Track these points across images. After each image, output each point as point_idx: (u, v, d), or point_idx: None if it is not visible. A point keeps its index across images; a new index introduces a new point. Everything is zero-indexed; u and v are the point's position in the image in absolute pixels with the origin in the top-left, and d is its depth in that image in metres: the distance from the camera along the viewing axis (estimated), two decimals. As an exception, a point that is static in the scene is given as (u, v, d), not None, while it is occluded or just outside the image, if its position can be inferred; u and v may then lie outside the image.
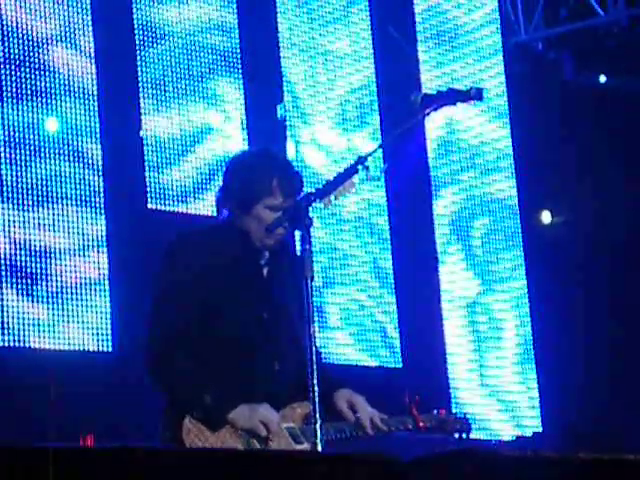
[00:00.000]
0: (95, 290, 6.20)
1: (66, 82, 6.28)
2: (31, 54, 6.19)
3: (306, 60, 7.36)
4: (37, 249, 6.06)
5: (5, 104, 6.06)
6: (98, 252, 6.24)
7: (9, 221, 6.00)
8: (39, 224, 6.08)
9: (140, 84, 6.56)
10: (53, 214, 6.14)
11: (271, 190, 3.74)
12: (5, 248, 5.96)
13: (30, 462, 2.21)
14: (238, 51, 6.97)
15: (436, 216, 7.88)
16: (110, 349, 6.16)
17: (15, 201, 6.03)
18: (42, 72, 6.20)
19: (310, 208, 3.50)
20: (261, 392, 3.69)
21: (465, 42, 8.14)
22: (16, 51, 6.14)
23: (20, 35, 6.17)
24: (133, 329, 5.65)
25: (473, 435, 4.06)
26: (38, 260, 6.05)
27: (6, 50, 6.11)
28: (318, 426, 3.32)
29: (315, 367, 3.38)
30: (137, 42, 6.59)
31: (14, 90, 6.10)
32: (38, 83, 6.18)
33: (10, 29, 6.15)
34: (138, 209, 6.47)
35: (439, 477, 2.50)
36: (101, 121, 6.35)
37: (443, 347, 7.69)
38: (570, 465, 2.59)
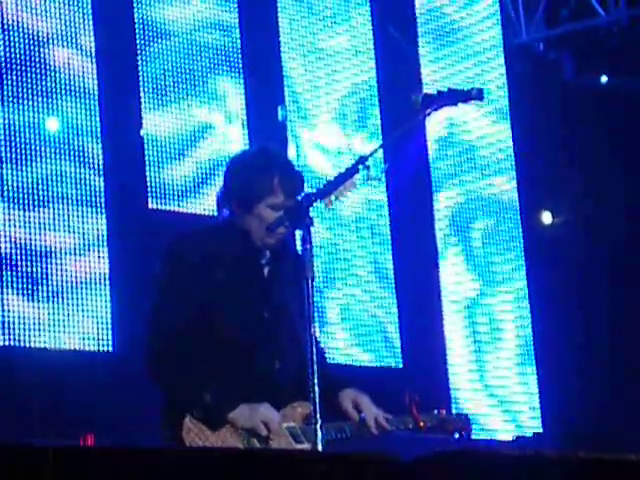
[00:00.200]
0: (95, 290, 6.20)
1: (67, 81, 6.27)
2: (32, 53, 6.18)
3: (307, 59, 7.36)
4: (37, 249, 6.06)
5: (5, 103, 6.06)
6: (99, 252, 6.24)
7: (9, 221, 5.99)
8: (39, 224, 6.08)
9: (141, 83, 6.56)
10: (54, 214, 6.13)
11: (272, 189, 3.74)
12: (5, 247, 5.96)
13: (30, 461, 2.21)
14: (239, 49, 6.97)
15: (436, 216, 7.88)
16: (110, 349, 6.16)
17: (15, 201, 6.03)
18: (43, 71, 6.20)
19: (311, 208, 3.50)
20: (262, 391, 3.69)
21: (466, 41, 8.14)
22: (17, 50, 6.13)
23: (21, 34, 6.17)
24: (133, 329, 5.64)
25: (473, 435, 4.05)
26: (38, 260, 6.05)
27: (7, 49, 6.11)
28: (318, 426, 3.32)
29: (319, 366, 3.38)
30: (138, 41, 6.58)
31: (14, 89, 6.10)
32: (39, 82, 6.18)
33: (11, 28, 6.14)
34: (139, 209, 6.46)
35: (439, 477, 2.50)
36: (102, 120, 6.35)
37: (443, 347, 7.69)
38: (570, 465, 2.59)
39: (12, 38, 6.14)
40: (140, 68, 6.57)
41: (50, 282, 6.07)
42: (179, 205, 6.61)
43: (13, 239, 6.00)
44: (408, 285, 7.51)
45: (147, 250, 5.75)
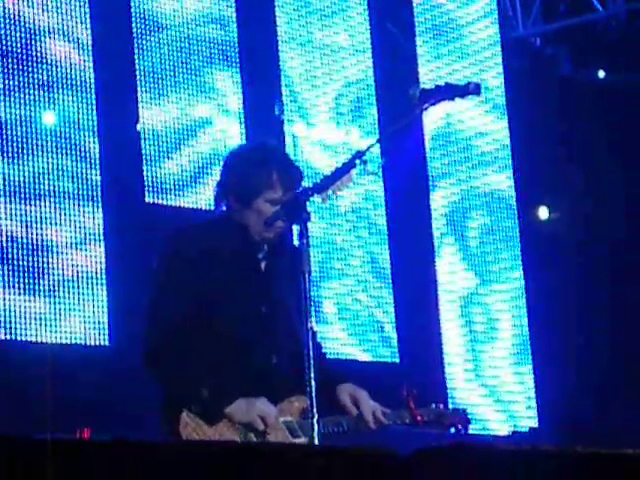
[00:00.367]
0: (92, 284, 6.19)
1: (63, 75, 6.26)
2: (28, 47, 6.17)
3: (304, 54, 7.35)
4: (34, 243, 6.05)
5: (2, 97, 6.05)
6: (95, 246, 6.23)
7: (6, 215, 5.99)
8: (36, 218, 6.07)
9: (138, 77, 6.55)
10: (50, 208, 6.13)
11: (271, 184, 3.75)
12: (1, 241, 5.96)
13: (29, 454, 2.21)
14: (236, 44, 6.97)
15: (433, 211, 7.88)
16: (107, 343, 6.16)
17: (12, 195, 6.02)
18: (39, 65, 6.19)
19: (308, 203, 3.50)
20: (259, 386, 3.69)
21: (463, 37, 8.14)
22: (13, 44, 6.12)
23: (18, 28, 6.16)
24: (130, 323, 5.65)
25: (470, 430, 4.06)
26: (35, 254, 6.04)
27: (3, 43, 6.10)
28: (315, 420, 3.33)
29: (317, 361, 3.40)
30: (135, 35, 6.57)
31: (11, 83, 6.09)
32: (35, 76, 6.17)
33: (7, 21, 6.13)
34: (135, 203, 6.46)
35: (436, 471, 2.51)
36: (98, 114, 6.34)
37: (440, 342, 7.70)
38: (568, 459, 2.59)
39: (9, 31, 6.13)
40: (137, 62, 6.56)
41: (47, 276, 6.06)
42: (176, 199, 6.60)
43: (9, 233, 5.99)
44: (405, 280, 7.51)
45: (144, 244, 5.75)
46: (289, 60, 7.28)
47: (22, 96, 6.11)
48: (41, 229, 6.08)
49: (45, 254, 6.07)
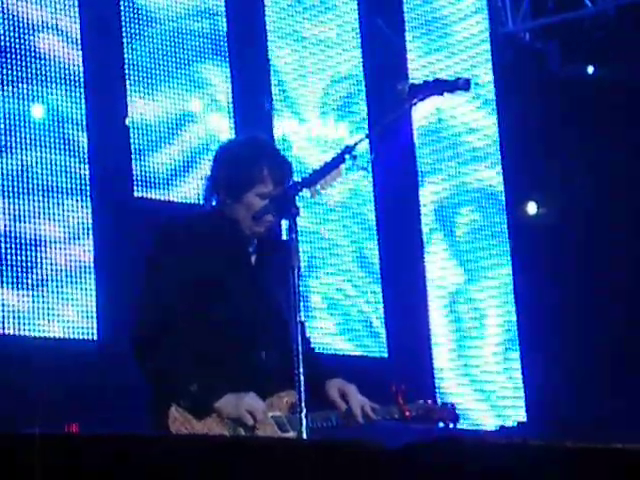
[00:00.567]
0: (81, 278, 6.18)
1: (52, 69, 6.25)
2: (17, 40, 6.15)
3: (293, 48, 7.34)
4: (22, 237, 6.03)
5: (-10, 91, 6.04)
6: (84, 240, 6.22)
7: (-5, 209, 5.97)
8: (24, 212, 6.06)
9: (127, 70, 6.54)
10: (38, 202, 6.11)
11: (262, 178, 3.75)
12: (-10, 236, 5.94)
13: (16, 448, 2.21)
14: (225, 37, 6.96)
15: (422, 206, 7.89)
16: (95, 337, 6.15)
17: (0, 189, 6.00)
18: (28, 59, 6.17)
19: (297, 197, 3.50)
20: (248, 380, 3.69)
21: (453, 32, 8.14)
22: (2, 37, 6.10)
23: (6, 21, 6.13)
24: (119, 317, 5.64)
25: (458, 425, 4.07)
26: (23, 248, 6.02)
27: (-8, 36, 6.08)
28: (303, 415, 3.33)
29: (306, 356, 3.41)
30: (124, 28, 6.56)
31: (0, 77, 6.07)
32: (24, 70, 6.15)
33: (-4, 15, 6.11)
34: (124, 197, 6.45)
35: (425, 465, 2.51)
36: (87, 108, 6.32)
37: (428, 337, 7.71)
38: (557, 453, 2.60)
39: (-2, 25, 6.11)
40: (126, 56, 6.54)
41: (35, 270, 6.04)
42: (165, 193, 6.59)
43: (-2, 227, 5.98)
44: (393, 274, 7.51)
45: (133, 239, 5.75)
46: (278, 54, 7.27)
47: (11, 90, 6.09)
48: (29, 223, 6.06)
49: (33, 248, 6.05)
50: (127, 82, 6.53)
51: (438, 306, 7.82)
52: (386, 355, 7.39)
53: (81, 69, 6.33)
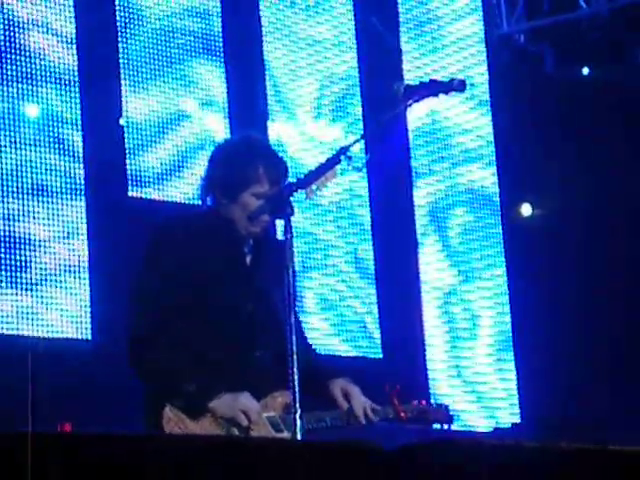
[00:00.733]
0: (75, 278, 6.17)
1: (47, 68, 6.23)
2: (11, 39, 6.14)
3: (288, 47, 7.34)
4: (16, 237, 6.02)
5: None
6: (78, 240, 6.21)
7: (-12, 208, 5.96)
8: (18, 212, 6.04)
9: (121, 69, 6.53)
10: (32, 202, 6.10)
11: (258, 178, 3.75)
12: (-16, 235, 5.93)
13: (9, 448, 2.20)
14: (220, 36, 6.96)
15: (416, 206, 7.89)
16: (89, 337, 6.14)
17: (-6, 189, 6.00)
18: (22, 57, 6.16)
19: (292, 198, 3.49)
20: (243, 380, 3.69)
21: (448, 33, 8.14)
22: (-4, 36, 6.10)
23: (0, 20, 6.12)
24: (112, 317, 5.63)
25: (453, 426, 4.07)
26: (17, 248, 6.01)
27: (-14, 35, 6.07)
28: (298, 415, 3.32)
29: (305, 353, 3.46)
30: (119, 27, 6.55)
31: (-6, 75, 6.06)
32: (18, 68, 6.14)
33: (-10, 14, 6.10)
34: (118, 197, 6.44)
35: (420, 466, 2.51)
36: (82, 107, 6.31)
37: (422, 338, 7.71)
38: (552, 455, 2.60)
39: (-8, 24, 6.10)
40: (121, 55, 6.53)
41: (29, 270, 6.03)
42: (159, 193, 6.58)
43: (-8, 227, 5.96)
44: (388, 275, 7.51)
45: (127, 238, 5.74)
46: (273, 54, 7.27)
47: (4, 89, 6.08)
48: (23, 223, 6.05)
49: (27, 248, 6.04)
50: (122, 82, 6.52)
51: (432, 307, 7.82)
52: (381, 356, 7.39)
53: (76, 68, 6.32)
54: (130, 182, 6.49)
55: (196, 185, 4.67)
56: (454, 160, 8.08)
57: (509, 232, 8.14)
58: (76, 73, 6.32)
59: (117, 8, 6.55)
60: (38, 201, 6.11)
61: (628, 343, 7.84)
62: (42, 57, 6.23)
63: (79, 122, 6.30)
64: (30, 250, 6.05)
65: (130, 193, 6.48)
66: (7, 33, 6.13)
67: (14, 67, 6.12)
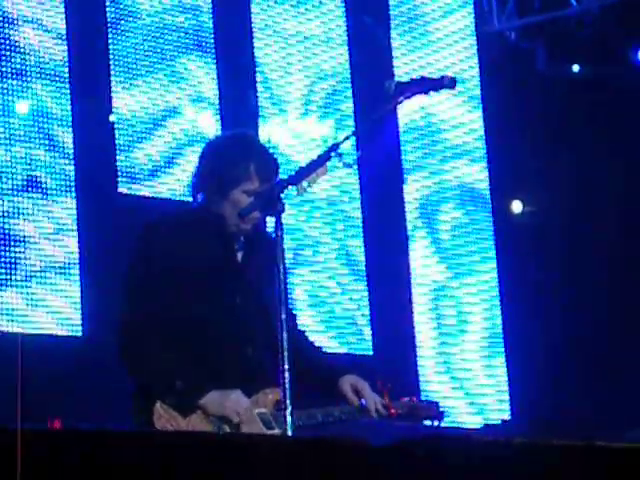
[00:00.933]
0: (65, 275, 6.16)
1: (37, 64, 6.22)
2: (1, 35, 6.12)
3: (279, 44, 7.33)
4: (7, 234, 6.01)
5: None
6: (68, 237, 6.20)
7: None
8: (8, 209, 6.03)
9: (112, 65, 6.52)
10: (22, 199, 6.08)
11: (249, 175, 3.75)
12: (-26, 232, 5.92)
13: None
14: (211, 32, 6.95)
15: (407, 203, 7.89)
16: (79, 334, 6.14)
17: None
18: (13, 53, 6.14)
19: (282, 194, 3.49)
20: (234, 378, 3.69)
21: (438, 29, 8.14)
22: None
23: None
24: (103, 314, 5.62)
25: (443, 422, 4.08)
26: (8, 245, 6.00)
27: (-25, 31, 6.05)
28: (288, 412, 3.33)
29: (314, 351, 3.70)
30: (109, 23, 6.53)
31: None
32: (8, 65, 6.12)
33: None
34: (108, 193, 6.43)
35: (409, 462, 2.51)
36: (72, 104, 6.30)
37: (413, 334, 7.71)
38: (542, 451, 2.61)
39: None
40: (111, 50, 6.52)
41: (19, 267, 6.02)
42: (149, 189, 6.58)
43: (-19, 224, 5.95)
44: (378, 271, 7.52)
45: (117, 235, 5.73)
46: (264, 50, 7.26)
47: (-6, 85, 6.07)
48: (13, 219, 6.04)
49: (18, 245, 6.03)
50: (112, 78, 6.51)
51: (422, 303, 7.83)
52: (371, 352, 7.39)
53: (66, 65, 6.31)
54: (120, 178, 6.48)
55: (187, 182, 4.67)
56: (445, 156, 8.09)
57: (500, 229, 8.15)
58: (66, 69, 6.31)
59: (107, 4, 6.54)
60: (28, 198, 6.10)
61: (617, 341, 7.86)
62: (32, 53, 6.22)
63: (69, 118, 6.29)
64: (20, 247, 6.04)
65: (120, 189, 6.47)
66: (-3, 29, 6.12)
67: (4, 63, 6.10)
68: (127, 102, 6.54)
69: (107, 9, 6.54)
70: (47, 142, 6.21)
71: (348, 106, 7.56)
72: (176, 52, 6.78)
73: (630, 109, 7.97)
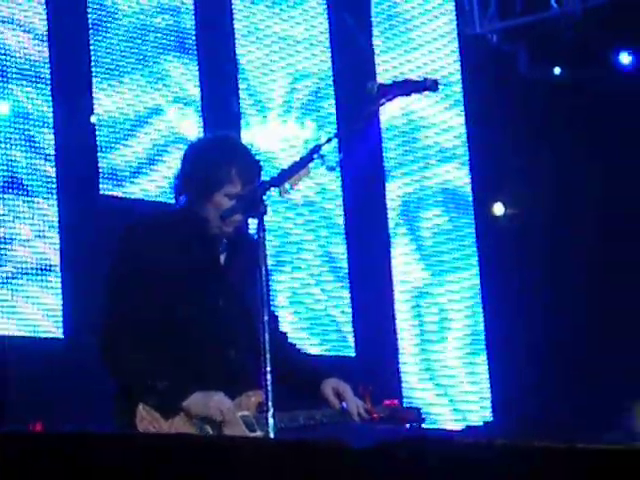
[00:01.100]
0: (46, 276, 6.14)
1: (18, 65, 6.20)
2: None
3: (261, 45, 7.33)
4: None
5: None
6: (50, 239, 6.18)
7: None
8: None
9: (93, 67, 6.50)
10: (3, 200, 6.06)
11: (231, 179, 3.74)
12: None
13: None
14: (193, 33, 6.94)
15: (389, 205, 7.90)
16: (62, 335, 6.12)
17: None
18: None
19: (265, 196, 3.49)
20: (217, 380, 3.69)
21: (421, 32, 8.16)
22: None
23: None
24: (85, 315, 5.61)
25: (424, 426, 4.09)
26: (-11, 246, 5.98)
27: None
28: (270, 414, 3.33)
29: (297, 354, 3.70)
30: (91, 24, 6.51)
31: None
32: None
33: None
34: (90, 195, 6.41)
35: (390, 465, 2.51)
36: (53, 105, 6.28)
37: (395, 336, 7.72)
38: (523, 453, 2.61)
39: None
40: (92, 51, 6.50)
41: (1, 268, 6.00)
42: (131, 191, 6.56)
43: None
44: (360, 273, 7.52)
45: (99, 237, 5.72)
46: (246, 51, 7.26)
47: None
48: (-5, 222, 6.02)
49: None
50: (94, 79, 6.49)
51: (404, 305, 7.83)
52: (353, 354, 7.39)
53: (47, 66, 6.29)
54: (102, 180, 6.46)
55: (169, 183, 4.66)
56: (427, 159, 8.10)
57: (482, 231, 8.17)
58: (47, 70, 6.29)
59: (89, 5, 6.52)
60: (9, 199, 6.08)
61: (597, 343, 7.88)
62: (13, 54, 6.19)
63: (50, 120, 6.27)
64: (1, 248, 6.01)
65: (102, 191, 6.46)
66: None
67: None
68: (108, 103, 6.53)
69: (88, 10, 6.52)
70: (28, 143, 6.19)
71: (330, 107, 7.57)
72: (157, 53, 6.77)
73: (610, 112, 8.00)
